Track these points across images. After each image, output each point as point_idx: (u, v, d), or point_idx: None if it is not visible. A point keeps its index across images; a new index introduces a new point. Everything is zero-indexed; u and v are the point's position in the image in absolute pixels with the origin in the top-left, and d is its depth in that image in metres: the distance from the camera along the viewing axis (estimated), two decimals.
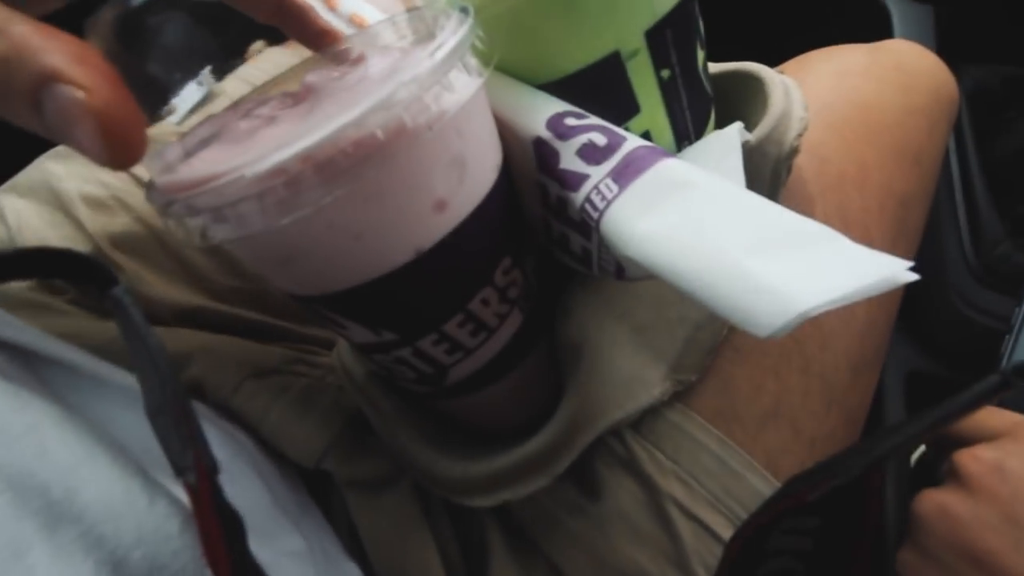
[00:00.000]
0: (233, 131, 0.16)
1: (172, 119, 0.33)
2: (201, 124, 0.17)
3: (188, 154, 0.16)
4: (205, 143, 0.16)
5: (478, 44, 0.16)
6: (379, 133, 0.13)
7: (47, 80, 0.11)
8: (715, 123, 0.26)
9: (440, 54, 0.14)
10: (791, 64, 0.33)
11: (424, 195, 0.15)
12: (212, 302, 0.28)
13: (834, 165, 0.27)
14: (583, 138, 0.17)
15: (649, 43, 0.20)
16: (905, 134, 0.28)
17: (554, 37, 0.19)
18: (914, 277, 0.13)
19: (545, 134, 0.18)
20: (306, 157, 0.13)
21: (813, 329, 0.25)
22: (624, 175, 0.16)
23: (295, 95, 0.17)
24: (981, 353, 0.37)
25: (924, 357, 0.40)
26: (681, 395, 0.24)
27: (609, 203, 0.16)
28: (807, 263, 0.13)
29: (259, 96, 0.18)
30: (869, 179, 0.27)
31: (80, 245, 0.28)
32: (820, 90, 0.29)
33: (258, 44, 0.34)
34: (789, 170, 0.24)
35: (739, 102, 0.27)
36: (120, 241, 0.28)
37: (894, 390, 0.39)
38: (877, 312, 0.27)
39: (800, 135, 0.24)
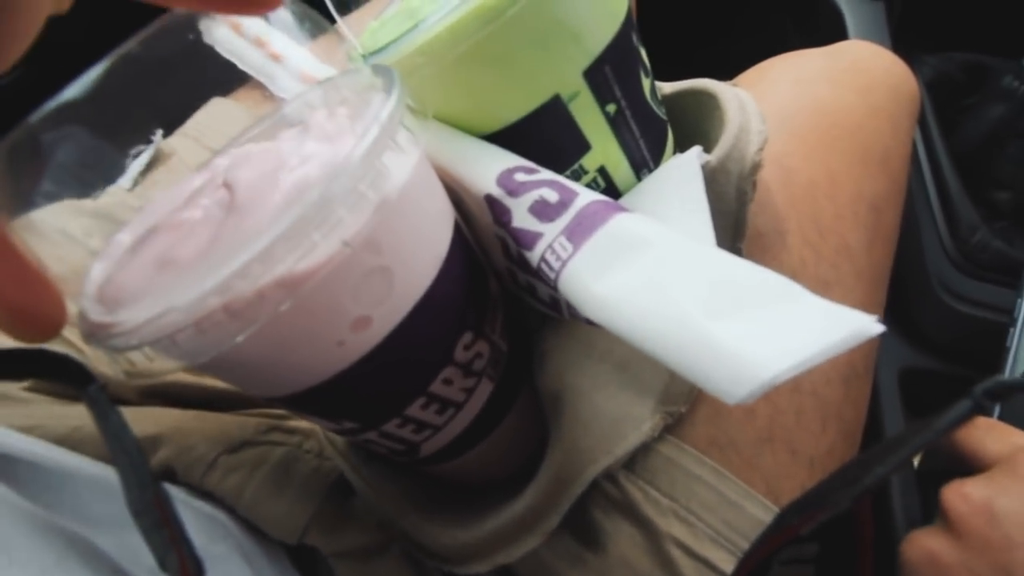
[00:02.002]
0: (152, 248, 0.15)
1: (123, 182, 0.32)
2: (126, 227, 0.17)
3: (109, 279, 0.16)
4: (124, 262, 0.16)
5: (409, 112, 0.15)
6: (289, 270, 0.12)
7: None
8: (674, 143, 0.26)
9: (366, 142, 0.13)
10: (749, 75, 0.33)
11: (338, 319, 0.15)
12: (178, 374, 0.27)
13: (802, 174, 0.27)
14: (534, 195, 0.17)
15: (589, 82, 0.19)
16: (869, 136, 0.28)
17: (492, 90, 0.18)
18: (881, 329, 0.12)
19: (496, 191, 0.17)
20: (215, 299, 0.12)
21: None
22: (577, 233, 0.16)
23: (217, 190, 0.16)
24: (971, 343, 0.37)
25: (916, 352, 0.40)
26: (672, 427, 0.23)
27: (564, 263, 0.15)
28: (770, 324, 0.13)
29: (186, 189, 0.17)
30: (839, 186, 0.27)
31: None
32: (780, 100, 0.29)
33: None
34: (754, 186, 0.24)
35: (696, 120, 0.27)
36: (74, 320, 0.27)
37: (889, 389, 0.38)
38: None
39: (761, 149, 0.23)
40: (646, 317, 0.14)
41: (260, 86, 0.24)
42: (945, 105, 0.42)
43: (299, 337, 0.14)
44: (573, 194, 0.17)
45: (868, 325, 0.13)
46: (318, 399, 0.16)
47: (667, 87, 0.28)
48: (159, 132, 0.32)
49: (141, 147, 0.30)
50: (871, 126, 0.28)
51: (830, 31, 0.44)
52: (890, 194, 0.28)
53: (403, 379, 0.17)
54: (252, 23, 0.31)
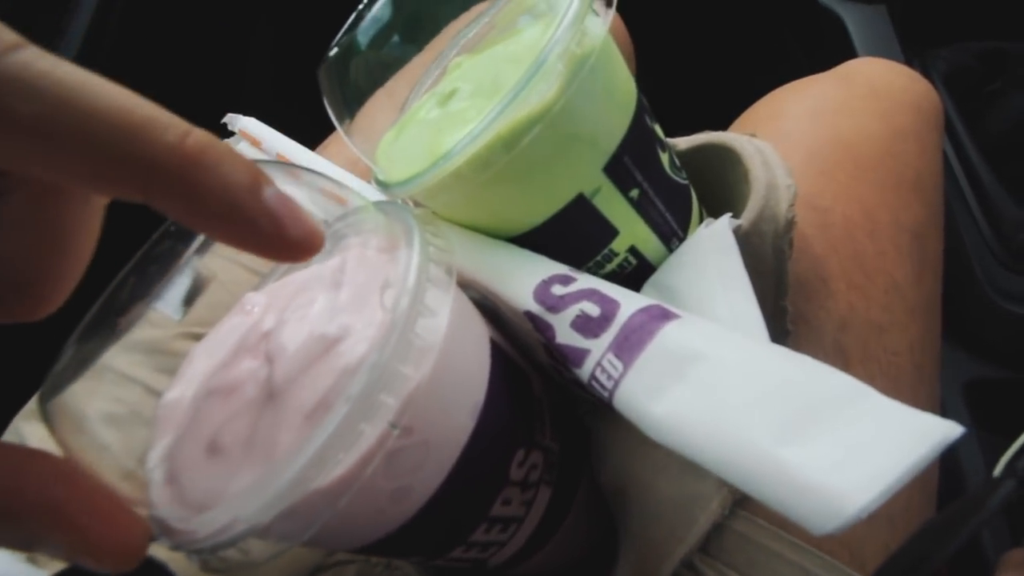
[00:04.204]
0: (201, 427, 0.15)
1: (170, 313, 0.33)
2: (174, 384, 0.17)
3: (169, 465, 0.16)
4: (178, 444, 0.16)
5: (437, 261, 0.15)
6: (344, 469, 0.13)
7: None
8: (699, 202, 0.26)
9: (400, 318, 0.13)
10: (762, 109, 0.33)
11: (374, 498, 0.15)
12: None
13: (836, 214, 0.26)
14: (575, 309, 0.17)
15: (610, 176, 0.19)
16: (898, 162, 0.27)
17: (517, 202, 0.18)
18: (961, 430, 0.12)
19: (535, 308, 0.17)
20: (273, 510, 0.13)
21: None
22: (625, 349, 0.15)
23: (257, 356, 0.16)
24: None
25: (979, 363, 0.38)
26: (741, 501, 0.22)
27: (617, 383, 0.15)
28: (847, 444, 0.12)
29: (226, 339, 0.18)
30: (876, 220, 0.26)
31: (105, 465, 0.28)
32: (801, 137, 0.28)
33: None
34: (791, 243, 0.23)
35: (719, 172, 0.27)
36: (143, 455, 0.28)
37: (955, 406, 0.36)
38: (921, 355, 0.25)
39: (792, 204, 0.23)
40: (713, 443, 0.13)
41: None
42: (966, 97, 0.41)
43: (343, 522, 0.15)
44: (615, 305, 0.17)
45: (950, 432, 0.12)
46: (376, 550, 0.16)
47: (683, 143, 0.27)
48: (194, 255, 0.33)
49: (175, 270, 0.31)
50: (898, 151, 0.28)
51: (835, 40, 0.43)
52: (929, 219, 0.27)
53: (462, 514, 0.17)
54: (270, 138, 0.32)
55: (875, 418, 0.13)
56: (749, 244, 0.22)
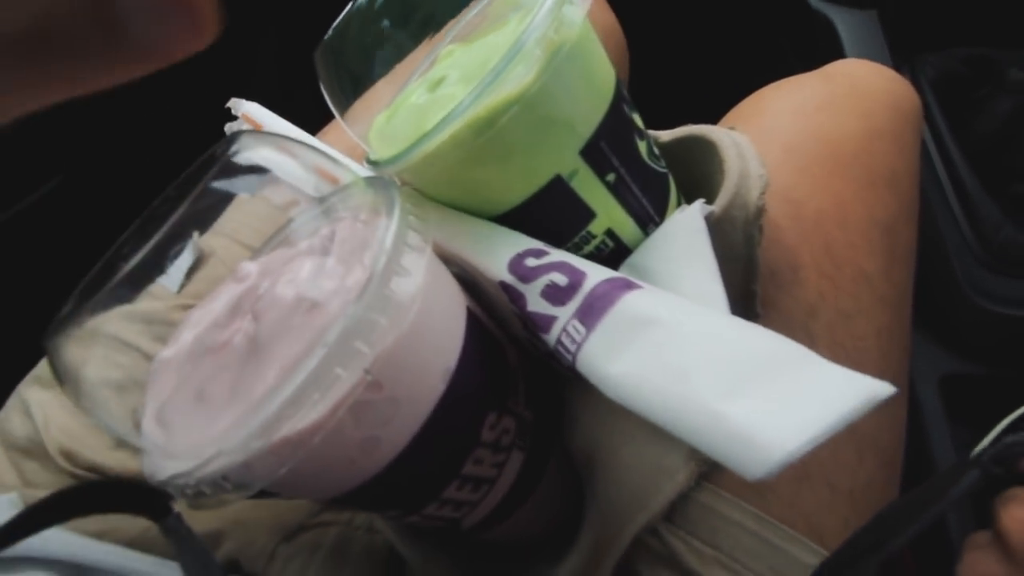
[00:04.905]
0: (192, 378, 0.17)
1: (167, 284, 0.35)
2: (170, 343, 0.18)
3: (161, 409, 0.17)
4: (172, 391, 0.17)
5: (415, 229, 0.16)
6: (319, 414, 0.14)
7: None
8: (679, 189, 0.27)
9: (376, 275, 0.14)
10: (746, 107, 0.34)
11: (344, 447, 0.16)
12: None
13: (810, 206, 0.27)
14: (545, 279, 0.18)
15: (586, 159, 0.20)
16: (874, 160, 0.28)
17: (495, 182, 0.20)
18: (893, 390, 0.13)
19: (508, 278, 0.18)
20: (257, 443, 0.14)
21: None
22: (589, 315, 0.16)
23: (245, 316, 0.17)
24: (1010, 342, 0.36)
25: (954, 359, 0.39)
26: (708, 474, 0.23)
27: (579, 345, 0.16)
28: (783, 398, 0.13)
29: (219, 304, 0.19)
30: (849, 213, 0.27)
31: (104, 427, 0.29)
32: (781, 132, 0.30)
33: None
34: (761, 229, 0.24)
35: (698, 163, 0.28)
36: (137, 418, 0.29)
37: (931, 400, 0.37)
38: (888, 343, 0.26)
39: (763, 193, 0.24)
40: (662, 399, 0.14)
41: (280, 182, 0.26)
42: (953, 102, 0.41)
43: (316, 467, 0.16)
44: (582, 275, 0.18)
45: (880, 390, 0.13)
46: (352, 501, 0.17)
47: (665, 135, 0.29)
48: (195, 233, 0.34)
49: (179, 246, 0.32)
50: (875, 149, 0.29)
51: (827, 44, 0.44)
52: (902, 214, 0.28)
53: (434, 470, 0.18)
54: (271, 122, 0.33)
55: (812, 376, 0.14)
56: (721, 229, 0.23)
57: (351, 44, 0.21)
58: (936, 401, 0.37)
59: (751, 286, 0.24)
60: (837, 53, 0.43)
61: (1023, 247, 0.37)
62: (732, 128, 0.26)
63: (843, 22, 0.42)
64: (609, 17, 0.39)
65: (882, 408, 0.25)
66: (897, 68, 0.43)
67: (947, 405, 0.37)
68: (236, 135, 0.22)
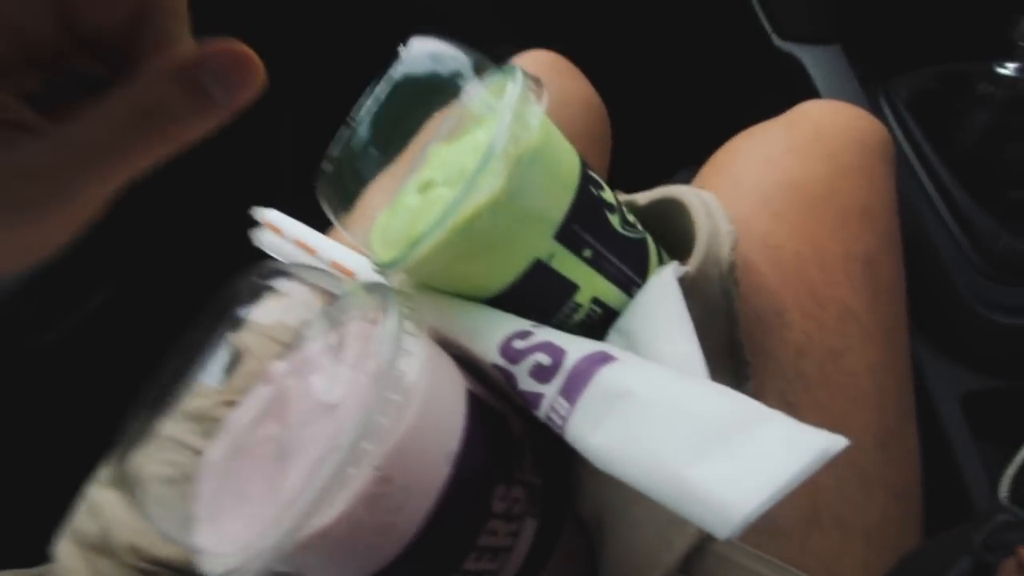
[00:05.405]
0: (233, 480, 0.19)
1: (211, 383, 0.38)
2: (213, 444, 0.21)
3: (209, 516, 0.20)
4: (216, 495, 0.20)
5: (410, 332, 0.19)
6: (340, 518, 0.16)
7: None
8: (660, 246, 0.29)
9: (381, 372, 0.17)
10: (721, 155, 0.36)
11: (364, 533, 0.18)
12: None
13: (787, 250, 0.29)
14: (531, 360, 0.20)
15: (561, 242, 0.22)
16: (844, 197, 0.30)
17: (480, 273, 0.22)
18: (845, 443, 0.14)
19: (500, 361, 0.20)
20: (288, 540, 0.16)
21: (823, 418, 0.25)
22: (571, 391, 0.18)
23: (275, 421, 0.20)
24: None
25: (973, 375, 0.38)
26: None
27: (565, 420, 0.18)
28: (742, 460, 0.14)
29: (253, 404, 0.22)
30: (825, 252, 0.28)
31: (162, 522, 0.31)
32: (754, 182, 0.31)
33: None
34: (736, 282, 0.25)
35: (674, 221, 0.30)
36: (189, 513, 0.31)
37: (954, 419, 0.37)
38: (883, 375, 0.27)
39: (733, 248, 0.26)
40: (635, 466, 0.16)
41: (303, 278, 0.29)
42: (932, 118, 0.42)
43: (342, 554, 0.18)
44: (562, 353, 0.20)
45: (832, 443, 0.14)
46: None
47: (642, 198, 0.31)
48: (229, 333, 0.38)
49: (216, 349, 0.36)
50: (844, 187, 0.30)
51: (800, 83, 0.46)
52: (881, 245, 0.29)
53: (451, 545, 0.20)
54: (290, 227, 0.37)
55: (768, 437, 0.15)
56: (697, 287, 0.25)
57: (346, 172, 0.24)
58: (960, 420, 0.37)
59: (734, 336, 0.25)
60: (810, 88, 0.44)
61: (1023, 254, 0.37)
62: (701, 188, 0.28)
63: (810, 59, 0.45)
64: (586, 90, 0.42)
65: (888, 445, 0.26)
66: (871, 95, 0.45)
67: (971, 423, 0.37)
68: (256, 268, 0.26)
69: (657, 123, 0.55)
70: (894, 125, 0.43)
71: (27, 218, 0.15)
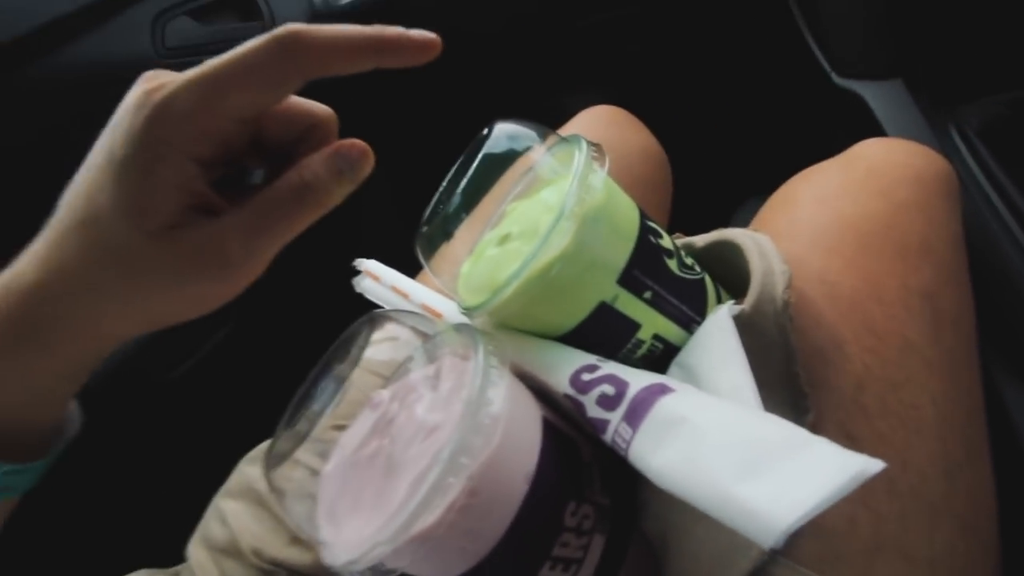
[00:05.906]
0: (348, 492, 0.23)
1: (320, 410, 0.44)
2: (329, 460, 0.25)
3: (331, 518, 0.24)
4: (335, 501, 0.24)
5: (495, 367, 0.23)
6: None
7: None
8: (717, 288, 0.31)
9: (472, 400, 0.21)
10: (778, 196, 0.37)
11: (457, 537, 0.21)
12: None
13: (844, 286, 0.30)
14: (598, 390, 0.23)
15: (624, 286, 0.26)
16: (901, 232, 0.31)
17: (552, 315, 0.26)
18: (882, 465, 0.16)
19: (570, 391, 0.24)
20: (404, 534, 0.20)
21: (884, 448, 0.26)
22: (633, 419, 0.21)
23: (384, 438, 0.24)
24: None
25: None
26: (782, 550, 0.25)
27: (628, 444, 0.21)
28: (785, 478, 0.17)
29: (362, 426, 0.26)
30: (883, 287, 0.29)
31: (280, 532, 0.37)
32: (808, 221, 0.33)
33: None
34: (791, 319, 0.27)
35: (732, 261, 0.32)
36: (309, 518, 0.37)
37: None
38: (947, 406, 0.27)
39: (787, 287, 0.27)
40: (691, 484, 0.19)
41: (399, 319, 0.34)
42: (1005, 145, 0.42)
43: (439, 554, 0.21)
44: (625, 385, 0.23)
45: (869, 465, 0.16)
46: None
47: (700, 241, 0.33)
48: (336, 366, 0.44)
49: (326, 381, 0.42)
50: (900, 222, 0.31)
51: (864, 119, 0.46)
52: (941, 278, 0.30)
53: (528, 552, 0.23)
54: (386, 274, 0.43)
55: (809, 458, 0.17)
56: (753, 323, 0.27)
57: (437, 231, 0.28)
58: None
59: (792, 368, 0.27)
60: (874, 124, 0.45)
61: None
62: (757, 229, 0.31)
63: (872, 95, 0.45)
64: (646, 139, 0.45)
65: (953, 475, 0.26)
66: (939, 127, 0.45)
67: None
68: (369, 315, 0.31)
69: (720, 166, 0.57)
70: (967, 155, 0.43)
71: (217, 275, 0.21)
